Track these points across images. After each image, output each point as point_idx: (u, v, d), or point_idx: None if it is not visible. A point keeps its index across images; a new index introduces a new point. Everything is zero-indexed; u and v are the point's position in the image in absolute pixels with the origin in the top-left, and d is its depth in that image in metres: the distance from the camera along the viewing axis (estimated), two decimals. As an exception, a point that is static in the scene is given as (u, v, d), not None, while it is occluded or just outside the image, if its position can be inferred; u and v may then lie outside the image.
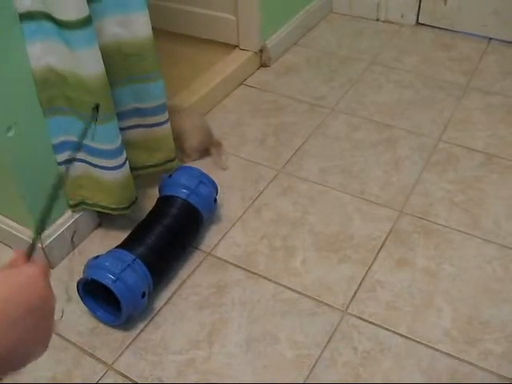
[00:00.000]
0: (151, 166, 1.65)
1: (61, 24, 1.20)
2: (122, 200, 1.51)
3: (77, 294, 1.40)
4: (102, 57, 1.30)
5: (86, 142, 1.39)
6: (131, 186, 1.53)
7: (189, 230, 1.53)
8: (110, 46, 1.34)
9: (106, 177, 1.45)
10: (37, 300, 0.59)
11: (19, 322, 0.57)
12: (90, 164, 1.45)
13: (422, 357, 1.31)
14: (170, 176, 1.57)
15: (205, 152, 1.85)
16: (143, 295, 1.35)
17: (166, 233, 1.46)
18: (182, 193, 1.51)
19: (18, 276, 0.60)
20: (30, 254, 0.67)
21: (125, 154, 1.46)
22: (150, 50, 1.42)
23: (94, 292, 1.39)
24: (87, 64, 1.26)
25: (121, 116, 1.49)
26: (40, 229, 0.79)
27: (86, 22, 1.20)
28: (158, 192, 1.59)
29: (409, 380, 1.27)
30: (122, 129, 1.50)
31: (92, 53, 1.25)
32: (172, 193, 1.53)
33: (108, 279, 1.31)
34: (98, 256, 1.38)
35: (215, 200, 1.59)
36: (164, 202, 1.53)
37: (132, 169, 1.55)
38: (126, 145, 1.53)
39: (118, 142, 1.42)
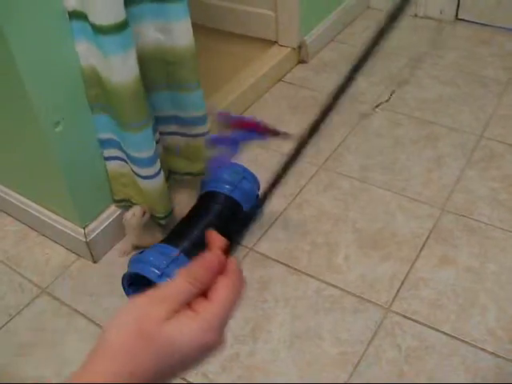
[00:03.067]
0: (187, 174, 1.64)
1: (95, 28, 1.17)
2: (158, 209, 1.50)
3: (121, 288, 1.42)
4: (140, 61, 1.27)
5: (124, 147, 1.40)
6: (166, 196, 1.52)
7: (231, 226, 1.53)
8: (149, 51, 1.32)
9: (143, 185, 1.44)
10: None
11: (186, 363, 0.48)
12: (132, 170, 1.45)
13: (466, 356, 1.29)
14: (213, 172, 1.57)
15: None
16: None
17: (209, 228, 1.46)
18: (225, 188, 1.52)
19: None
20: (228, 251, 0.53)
21: (158, 163, 1.43)
22: (191, 60, 1.38)
23: (138, 287, 1.41)
24: (119, 70, 1.22)
25: (160, 121, 1.48)
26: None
27: (121, 26, 1.17)
28: (199, 189, 1.60)
29: (454, 379, 1.26)
30: (161, 133, 1.51)
31: (125, 59, 1.21)
32: (215, 188, 1.53)
33: (153, 273, 1.32)
34: (142, 251, 1.39)
35: (257, 196, 1.59)
36: (207, 197, 1.53)
37: (169, 172, 1.56)
38: (165, 150, 1.53)
39: (152, 151, 1.38)
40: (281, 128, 1.34)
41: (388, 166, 1.78)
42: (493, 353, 1.30)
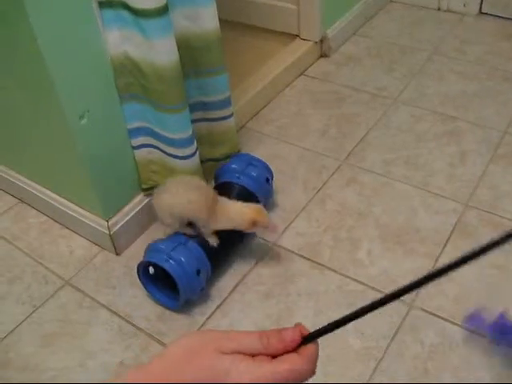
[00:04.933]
0: (213, 160, 1.66)
1: (137, 13, 1.21)
2: None
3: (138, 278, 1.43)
4: (170, 49, 1.32)
5: (159, 130, 1.41)
6: (200, 175, 1.55)
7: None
8: (177, 39, 1.35)
9: (178, 165, 1.47)
10: None
11: None
12: (164, 152, 1.47)
13: (490, 352, 1.28)
14: (224, 165, 1.59)
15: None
16: (198, 273, 1.36)
17: None
18: (234, 177, 1.53)
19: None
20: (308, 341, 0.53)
21: (195, 143, 1.47)
22: (217, 44, 1.43)
23: (160, 280, 1.41)
24: (162, 53, 1.27)
25: None
26: None
27: (163, 10, 1.22)
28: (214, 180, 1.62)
29: (478, 376, 1.25)
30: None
31: (167, 42, 1.26)
32: (225, 179, 1.55)
33: (160, 258, 1.34)
34: (156, 240, 1.41)
35: (268, 180, 1.58)
36: (218, 188, 1.55)
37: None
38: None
39: (190, 132, 1.44)
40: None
41: (411, 161, 1.77)
42: (516, 349, 1.29)
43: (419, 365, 1.27)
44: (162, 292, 1.43)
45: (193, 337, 0.52)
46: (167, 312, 1.43)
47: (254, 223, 1.37)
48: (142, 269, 1.41)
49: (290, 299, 1.42)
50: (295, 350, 0.52)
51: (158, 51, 1.26)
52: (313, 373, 0.52)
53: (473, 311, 1.29)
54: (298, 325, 0.54)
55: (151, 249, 1.39)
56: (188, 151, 1.45)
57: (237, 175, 1.54)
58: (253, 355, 0.51)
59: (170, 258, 1.33)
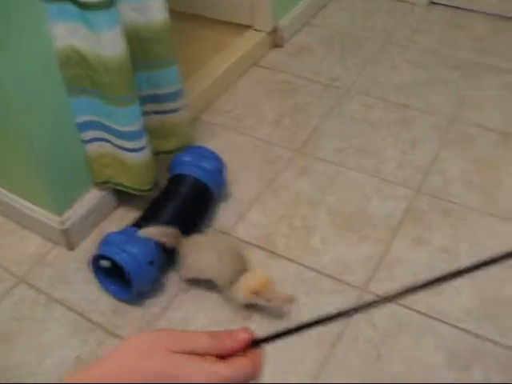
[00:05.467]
0: (166, 152, 1.65)
1: (82, 6, 1.20)
2: (144, 181, 1.53)
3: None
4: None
5: (109, 123, 1.41)
6: (153, 169, 1.55)
7: (198, 205, 1.56)
8: (126, 31, 1.34)
9: (129, 158, 1.47)
10: None
11: None
12: (114, 145, 1.46)
13: (441, 334, 1.32)
14: (176, 156, 1.60)
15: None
16: (151, 263, 1.37)
17: (175, 209, 1.50)
18: (187, 169, 1.54)
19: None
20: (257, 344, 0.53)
21: (146, 136, 1.47)
22: (166, 36, 1.43)
23: (116, 273, 1.41)
24: (109, 45, 1.26)
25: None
26: None
27: (110, 3, 1.21)
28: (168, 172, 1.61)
29: (429, 358, 1.28)
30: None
31: (113, 34, 1.25)
32: (178, 171, 1.56)
33: (111, 251, 1.35)
34: (109, 233, 1.42)
35: (221, 172, 1.60)
36: (171, 181, 1.56)
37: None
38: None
39: (140, 124, 1.43)
40: None
41: (363, 149, 1.80)
42: (467, 330, 1.32)
43: (372, 348, 1.30)
44: (116, 285, 1.43)
45: (143, 337, 0.51)
46: (122, 305, 1.42)
47: (255, 293, 1.32)
48: (95, 262, 1.40)
49: (245, 289, 1.43)
50: (243, 352, 0.52)
51: (105, 44, 1.25)
52: (258, 376, 0.52)
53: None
54: (245, 327, 0.54)
55: (104, 242, 1.40)
56: (139, 144, 1.45)
57: (190, 167, 1.54)
58: (203, 355, 0.50)
59: (123, 251, 1.34)
